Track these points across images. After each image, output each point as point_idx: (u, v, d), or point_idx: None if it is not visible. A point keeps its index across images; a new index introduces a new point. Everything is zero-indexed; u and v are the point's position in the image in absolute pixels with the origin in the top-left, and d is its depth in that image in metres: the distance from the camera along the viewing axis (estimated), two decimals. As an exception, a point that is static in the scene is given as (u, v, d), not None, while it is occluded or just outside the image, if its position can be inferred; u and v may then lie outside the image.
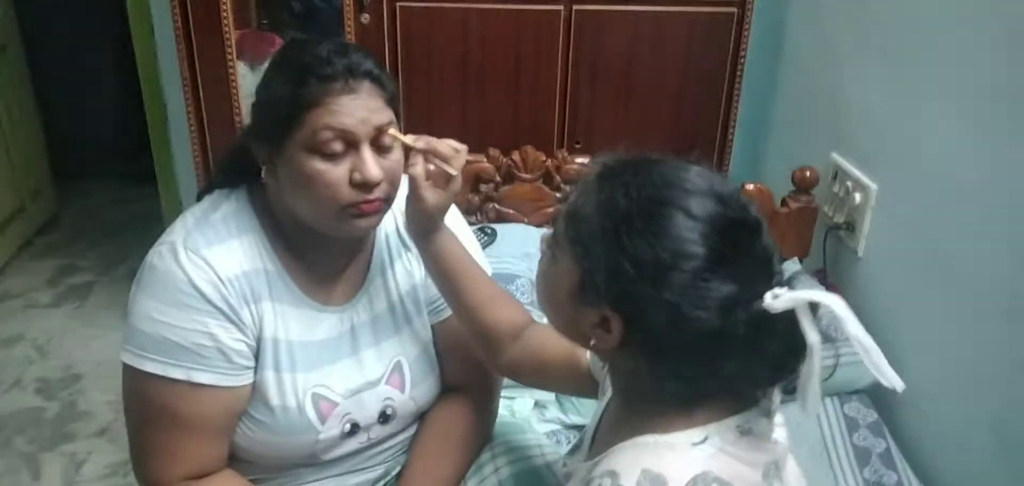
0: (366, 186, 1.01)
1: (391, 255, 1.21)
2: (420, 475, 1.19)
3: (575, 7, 2.15)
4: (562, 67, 2.21)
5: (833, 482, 1.42)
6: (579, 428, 1.58)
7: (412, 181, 1.06)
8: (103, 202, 3.84)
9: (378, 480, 1.24)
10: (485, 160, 1.89)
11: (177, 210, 2.78)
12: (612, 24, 2.17)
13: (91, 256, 3.39)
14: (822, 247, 1.88)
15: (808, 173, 1.84)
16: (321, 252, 1.13)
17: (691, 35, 2.20)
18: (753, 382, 0.81)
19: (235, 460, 1.13)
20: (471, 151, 1.12)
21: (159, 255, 1.05)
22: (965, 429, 1.42)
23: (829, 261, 1.88)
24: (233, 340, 1.04)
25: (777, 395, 0.85)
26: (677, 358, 0.76)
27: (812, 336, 0.73)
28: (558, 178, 1.90)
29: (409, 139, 1.05)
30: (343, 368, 1.15)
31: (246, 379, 1.07)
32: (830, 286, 1.81)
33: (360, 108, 1.00)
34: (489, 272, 1.20)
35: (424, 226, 1.10)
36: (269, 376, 1.08)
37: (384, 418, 1.18)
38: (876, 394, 1.60)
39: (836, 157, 1.87)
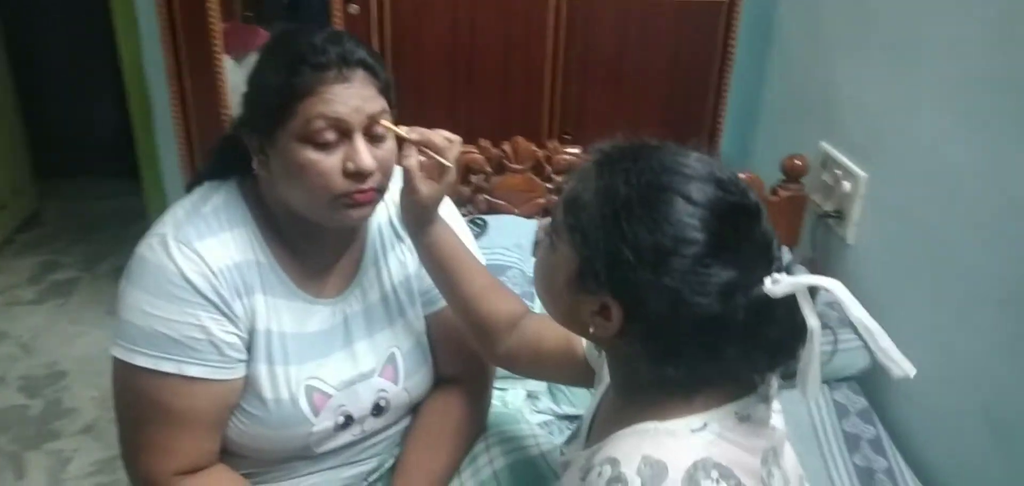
0: (359, 176, 1.00)
1: (384, 246, 1.20)
2: (414, 467, 1.19)
3: (564, -3, 2.14)
4: (552, 58, 2.20)
5: (823, 468, 1.43)
6: (571, 418, 1.57)
7: (406, 173, 1.05)
8: (85, 199, 3.80)
9: (371, 472, 1.23)
10: (476, 151, 1.88)
11: (162, 205, 2.74)
12: (602, 14, 2.17)
13: (74, 253, 3.35)
14: (812, 236, 1.89)
15: (798, 162, 1.84)
16: (313, 243, 1.12)
17: (681, 25, 2.20)
18: (753, 367, 0.81)
19: (228, 454, 1.11)
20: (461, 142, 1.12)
21: (149, 247, 1.03)
22: (955, 416, 1.43)
23: (819, 250, 1.89)
24: (225, 333, 1.03)
25: (775, 381, 0.85)
26: (677, 344, 0.76)
27: (812, 321, 0.73)
28: (549, 169, 1.89)
29: (403, 130, 1.04)
30: (336, 360, 1.14)
31: (238, 372, 1.06)
32: (820, 275, 1.82)
33: (353, 97, 0.99)
34: (482, 263, 1.20)
35: (419, 218, 1.09)
36: (262, 369, 1.07)
37: (378, 410, 1.17)
38: (865, 381, 1.61)
39: (825, 146, 1.88)
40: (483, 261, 1.22)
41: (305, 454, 1.14)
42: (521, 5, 2.14)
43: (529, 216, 1.90)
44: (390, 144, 1.05)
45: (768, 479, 0.79)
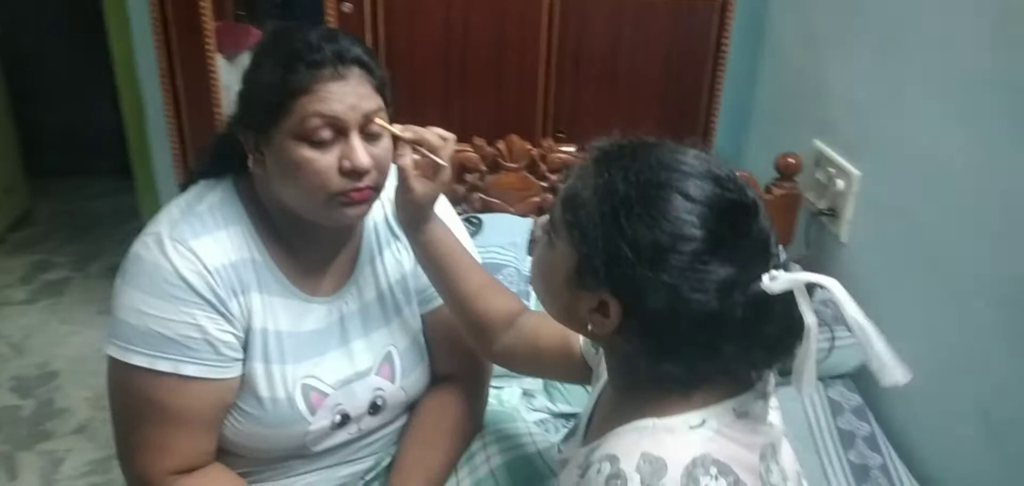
0: (355, 174, 1.00)
1: (380, 244, 1.20)
2: (411, 465, 1.18)
3: (557, -4, 2.14)
4: (545, 56, 2.20)
5: (818, 465, 1.43)
6: (567, 416, 1.58)
7: (400, 172, 1.05)
8: (76, 198, 3.78)
9: (368, 471, 1.23)
10: (470, 149, 1.88)
11: (155, 204, 2.75)
12: (595, 13, 2.17)
13: (66, 252, 3.33)
14: (805, 234, 1.89)
15: (791, 160, 1.85)
16: (309, 241, 1.12)
17: (673, 24, 2.20)
18: (750, 364, 0.81)
19: (224, 453, 1.11)
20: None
21: (144, 246, 1.03)
22: (949, 413, 1.43)
23: (812, 247, 1.89)
24: (221, 332, 1.03)
25: (772, 378, 0.85)
26: (675, 341, 0.76)
27: (809, 318, 0.74)
28: (544, 167, 1.89)
29: (397, 129, 1.04)
30: (333, 359, 1.14)
31: (234, 371, 1.05)
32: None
33: (349, 95, 0.99)
34: (479, 261, 1.20)
35: (414, 216, 1.09)
36: (258, 368, 1.07)
37: (374, 409, 1.17)
38: (859, 378, 1.62)
39: (819, 144, 1.89)
40: (479, 259, 1.22)
41: (302, 453, 1.14)
42: (514, 4, 2.14)
43: (524, 215, 1.90)
44: (386, 142, 1.05)
45: (766, 475, 0.79)
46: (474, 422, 1.27)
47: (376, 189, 1.05)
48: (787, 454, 0.87)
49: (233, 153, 1.08)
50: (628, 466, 0.74)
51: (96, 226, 3.53)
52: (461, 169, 1.87)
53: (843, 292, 0.72)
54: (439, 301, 1.20)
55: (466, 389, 1.25)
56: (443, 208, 1.19)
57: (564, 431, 1.53)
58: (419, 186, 1.05)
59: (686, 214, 0.74)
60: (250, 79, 1.03)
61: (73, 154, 3.89)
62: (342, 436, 1.16)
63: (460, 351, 1.23)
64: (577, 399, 1.58)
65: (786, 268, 0.76)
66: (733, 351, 0.76)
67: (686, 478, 0.72)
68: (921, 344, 1.47)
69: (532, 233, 1.77)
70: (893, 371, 0.73)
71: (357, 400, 1.15)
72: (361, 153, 1.00)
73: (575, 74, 2.23)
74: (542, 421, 1.54)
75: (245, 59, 2.33)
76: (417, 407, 1.25)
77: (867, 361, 0.73)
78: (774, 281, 0.73)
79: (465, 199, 1.90)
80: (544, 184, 1.91)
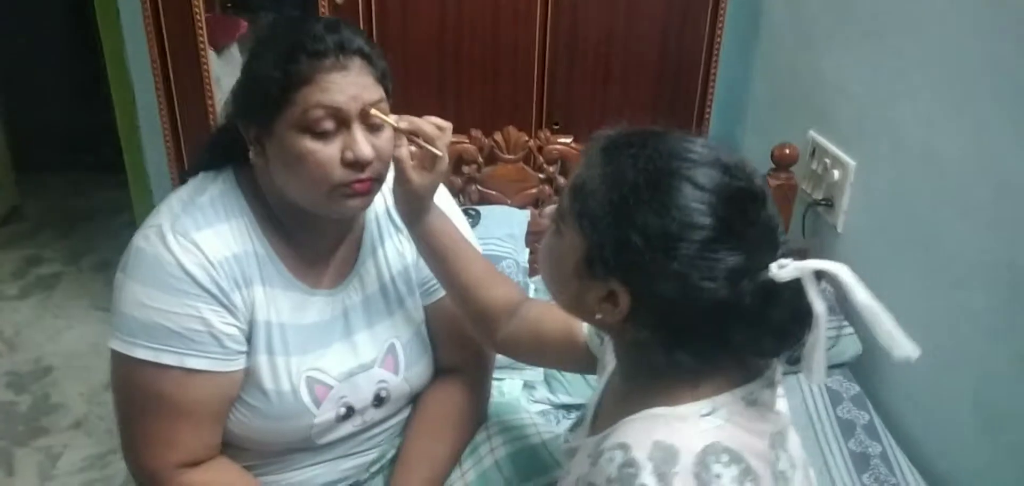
0: (358, 165, 1.00)
1: (381, 236, 1.20)
2: (415, 457, 1.18)
3: (552, -14, 2.14)
4: (540, 47, 2.20)
5: (819, 454, 1.44)
6: (568, 407, 1.58)
7: (397, 163, 1.05)
8: (66, 193, 3.76)
9: (373, 463, 1.23)
10: (467, 141, 1.87)
11: (147, 198, 2.73)
12: (589, 3, 2.16)
13: (57, 247, 3.31)
14: (801, 224, 1.90)
15: (787, 150, 1.85)
16: (311, 233, 1.11)
17: (668, 14, 2.20)
18: (759, 352, 0.81)
19: (229, 447, 1.11)
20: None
21: (146, 239, 1.02)
22: (946, 401, 1.45)
23: (809, 237, 1.90)
24: (225, 324, 1.02)
25: (779, 366, 0.86)
26: (684, 329, 0.76)
27: (818, 305, 0.74)
28: (541, 159, 1.89)
29: (392, 119, 1.04)
30: (336, 351, 1.13)
31: (239, 364, 1.05)
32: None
33: (351, 85, 0.98)
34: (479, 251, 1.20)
35: (413, 208, 1.09)
36: (262, 360, 1.07)
37: (378, 401, 1.17)
38: (858, 367, 1.63)
39: (814, 134, 1.89)
40: (479, 249, 1.22)
41: (306, 446, 1.14)
42: (509, -6, 2.14)
43: (522, 206, 1.90)
44: (388, 133, 1.04)
45: (776, 463, 0.79)
46: (478, 414, 1.27)
47: (378, 180, 1.05)
48: (794, 442, 0.88)
49: (233, 144, 1.07)
50: (640, 454, 0.74)
51: (87, 221, 3.51)
52: (458, 161, 1.87)
53: (852, 277, 0.72)
54: (442, 293, 1.20)
55: (470, 381, 1.25)
56: (443, 198, 1.19)
57: (566, 422, 1.54)
58: (416, 177, 1.04)
59: (695, 202, 0.74)
60: (251, 70, 1.03)
61: (61, 148, 3.86)
62: (347, 428, 1.16)
63: (463, 343, 1.23)
64: (578, 391, 1.58)
65: (796, 256, 0.76)
66: (742, 339, 0.76)
67: (698, 466, 0.73)
68: (917, 332, 1.47)
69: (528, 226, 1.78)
70: (904, 346, 0.72)
71: (361, 392, 1.15)
72: (363, 144, 0.99)
73: (569, 64, 2.23)
74: (543, 412, 1.54)
75: (234, 51, 2.34)
76: (421, 399, 1.25)
77: (879, 340, 0.73)
78: (782, 269, 0.74)
79: (462, 191, 1.89)
80: (541, 176, 1.91)
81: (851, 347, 1.59)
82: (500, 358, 1.34)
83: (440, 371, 1.26)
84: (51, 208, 3.63)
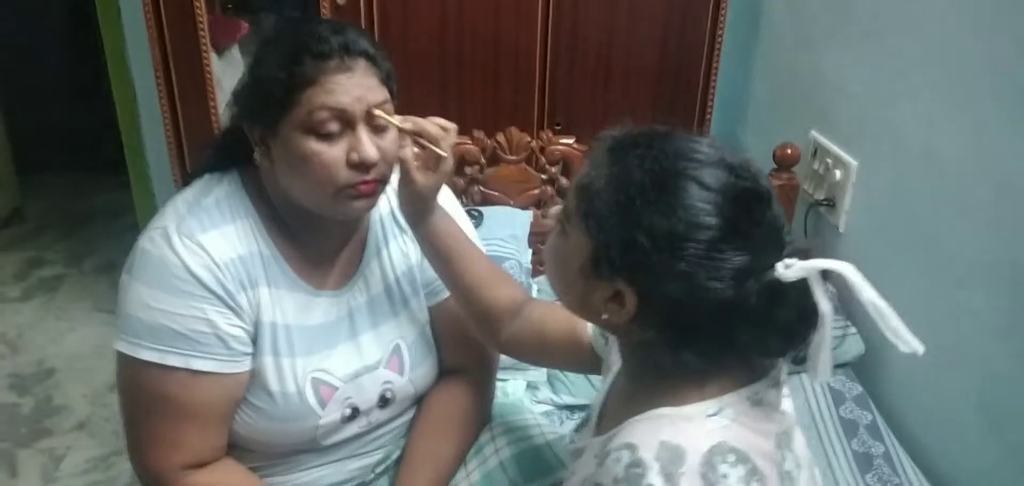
0: (363, 167, 1.00)
1: (386, 237, 1.20)
2: (421, 458, 1.19)
3: (554, -14, 2.14)
4: (541, 47, 2.20)
5: (822, 454, 1.44)
6: (571, 408, 1.58)
7: (402, 164, 1.05)
8: (67, 195, 3.77)
9: (378, 464, 1.23)
10: (469, 142, 1.88)
11: (149, 199, 2.74)
12: (590, 4, 2.17)
13: (58, 249, 3.32)
14: (804, 224, 1.90)
15: (789, 150, 1.85)
16: (315, 234, 1.12)
17: (669, 14, 2.20)
18: (765, 352, 0.81)
19: (234, 448, 1.11)
20: (452, 133, 1.11)
21: (151, 240, 1.02)
22: (949, 401, 1.44)
23: (810, 238, 1.90)
24: (230, 326, 1.03)
25: (784, 365, 0.86)
26: (691, 329, 0.76)
27: (824, 305, 0.74)
28: (543, 159, 1.89)
29: (396, 120, 1.04)
30: (342, 352, 1.14)
31: (244, 365, 1.05)
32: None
33: (356, 86, 0.99)
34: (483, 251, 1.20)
35: (417, 208, 1.09)
36: (268, 361, 1.07)
37: (383, 402, 1.17)
38: (860, 367, 1.63)
39: (815, 134, 1.89)
40: (483, 249, 1.22)
41: (312, 447, 1.14)
42: (509, -6, 2.14)
43: (524, 207, 1.90)
44: (393, 134, 1.05)
45: (782, 463, 0.79)
46: (482, 414, 1.27)
47: (383, 181, 1.05)
48: (800, 442, 0.88)
49: (238, 146, 1.07)
50: (647, 454, 0.74)
51: (88, 222, 3.51)
52: (460, 162, 1.87)
53: (858, 276, 0.73)
54: (446, 294, 1.21)
55: (474, 381, 1.26)
56: (446, 199, 1.19)
57: (569, 423, 1.54)
58: (420, 177, 1.05)
59: (702, 202, 0.74)
60: (255, 72, 1.03)
61: (63, 149, 3.87)
62: (352, 429, 1.16)
63: (467, 344, 1.24)
64: (581, 391, 1.58)
65: (801, 256, 0.76)
66: (748, 339, 0.77)
67: (705, 466, 0.73)
68: (919, 332, 1.46)
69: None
70: (910, 342, 0.73)
71: (366, 393, 1.15)
72: (369, 145, 1.00)
73: (571, 65, 2.23)
74: (547, 413, 1.55)
75: (235, 52, 2.34)
76: (426, 400, 1.25)
77: (886, 337, 0.73)
78: (788, 269, 0.74)
79: (464, 192, 1.90)
80: (544, 176, 1.91)
81: (854, 347, 1.59)
82: (503, 359, 1.34)
83: (444, 372, 1.27)
84: (52, 210, 3.64)
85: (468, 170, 1.89)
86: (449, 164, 1.06)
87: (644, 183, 0.75)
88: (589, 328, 1.10)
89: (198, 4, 2.06)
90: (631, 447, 0.76)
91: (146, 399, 1.02)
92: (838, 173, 1.78)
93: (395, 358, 1.18)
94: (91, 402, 2.42)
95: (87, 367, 2.56)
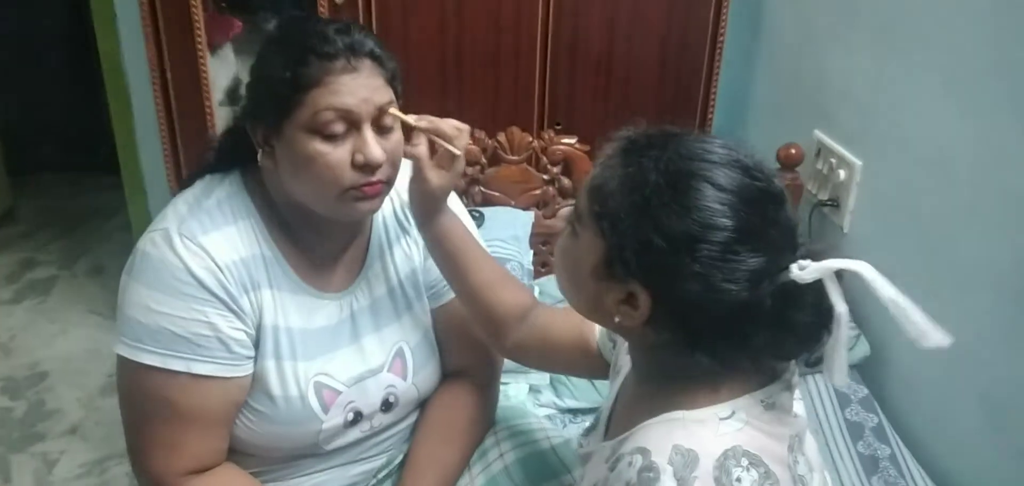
0: (368, 168, 0.99)
1: (389, 239, 1.19)
2: (425, 462, 1.17)
3: (554, -14, 2.13)
4: (541, 47, 2.18)
5: (828, 456, 1.43)
6: (574, 411, 1.57)
7: (416, 162, 1.04)
8: (59, 196, 3.73)
9: (380, 469, 1.21)
10: (471, 142, 1.85)
11: (143, 200, 2.71)
12: (591, 3, 2.15)
13: (51, 250, 3.29)
14: (808, 224, 1.89)
15: (793, 150, 1.84)
16: (319, 236, 1.10)
17: (670, 14, 2.19)
18: (779, 354, 0.81)
19: (235, 453, 1.09)
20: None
21: (152, 242, 1.01)
22: (953, 403, 1.44)
23: (815, 238, 1.89)
24: (233, 329, 1.01)
25: (796, 368, 0.85)
26: (705, 331, 0.75)
27: (840, 306, 0.73)
28: (545, 159, 1.88)
29: (411, 119, 1.03)
30: (344, 356, 1.12)
31: (246, 369, 1.04)
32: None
33: (361, 87, 0.97)
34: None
35: (428, 208, 1.08)
36: (270, 365, 1.05)
37: (387, 406, 1.16)
38: (866, 369, 1.62)
39: (819, 134, 1.89)
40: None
41: (314, 451, 1.12)
42: (510, -7, 2.12)
43: (526, 208, 1.89)
44: (397, 135, 1.03)
45: (794, 466, 0.79)
46: (486, 418, 1.26)
47: (388, 183, 1.04)
48: (811, 445, 0.87)
49: (240, 146, 1.06)
50: (660, 458, 0.73)
51: (81, 223, 3.48)
52: (460, 163, 1.86)
53: (875, 273, 0.72)
54: (449, 296, 1.19)
55: (478, 385, 1.24)
56: (451, 200, 1.18)
57: (572, 426, 1.53)
58: (434, 176, 1.04)
59: (717, 203, 0.73)
60: (259, 72, 1.01)
61: (55, 149, 3.84)
62: (354, 434, 1.14)
63: (471, 346, 1.22)
64: (584, 394, 1.57)
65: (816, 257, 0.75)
66: (762, 341, 0.76)
67: (718, 470, 0.72)
68: (924, 333, 1.48)
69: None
70: (934, 336, 0.71)
71: (369, 397, 1.13)
72: (374, 146, 0.98)
73: (571, 65, 2.22)
74: (549, 416, 1.53)
75: (228, 51, 2.32)
76: (429, 403, 1.23)
77: (907, 332, 0.72)
78: (803, 270, 0.73)
79: (466, 192, 1.88)
80: (545, 177, 1.89)
81: (860, 349, 1.58)
82: (506, 362, 1.32)
83: (447, 375, 1.25)
84: (45, 211, 3.60)
85: (469, 170, 1.87)
86: (462, 163, 1.06)
87: (659, 184, 0.74)
88: (597, 332, 1.09)
89: (195, 5, 2.04)
90: (644, 451, 0.75)
91: (147, 403, 1.01)
92: (842, 173, 1.77)
93: (398, 361, 1.16)
94: (84, 406, 2.39)
95: (80, 370, 2.54)
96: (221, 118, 2.15)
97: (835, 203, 1.80)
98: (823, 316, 0.75)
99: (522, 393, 1.57)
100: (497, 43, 2.17)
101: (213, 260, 0.99)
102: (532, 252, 1.81)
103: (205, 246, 1.00)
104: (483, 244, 1.20)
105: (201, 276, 0.98)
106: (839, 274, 0.74)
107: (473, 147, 1.86)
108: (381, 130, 1.01)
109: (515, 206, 1.88)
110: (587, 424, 1.17)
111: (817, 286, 0.73)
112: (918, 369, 1.53)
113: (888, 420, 1.51)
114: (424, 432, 1.21)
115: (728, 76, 2.29)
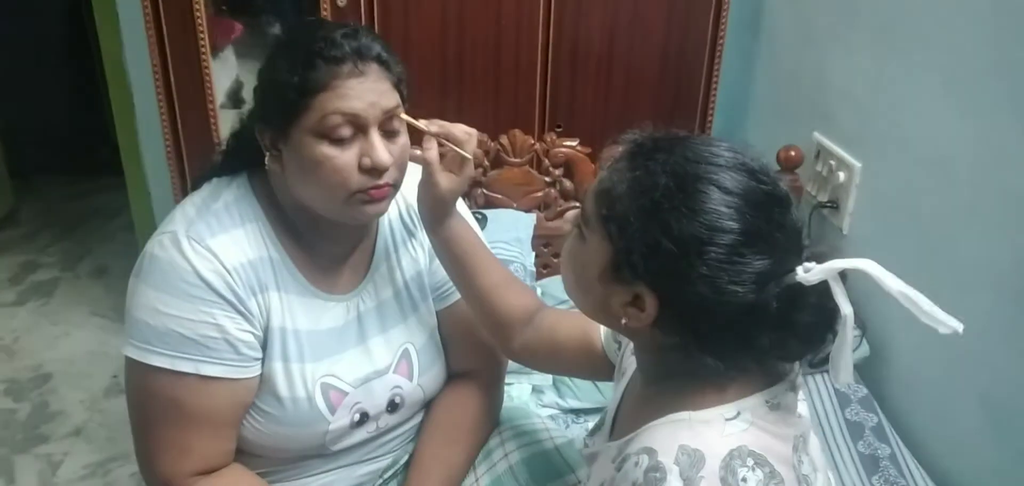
0: (376, 171, 1.00)
1: (395, 242, 1.20)
2: (430, 462, 1.18)
3: (555, -11, 2.14)
4: (542, 50, 2.19)
5: (829, 456, 1.44)
6: (577, 411, 1.58)
7: (426, 166, 1.05)
8: (61, 197, 3.74)
9: (386, 470, 1.22)
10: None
11: (146, 202, 2.72)
12: (591, 5, 2.16)
13: (53, 252, 3.29)
14: (807, 226, 1.90)
15: (793, 153, 1.85)
16: (326, 239, 1.11)
17: (670, 16, 2.20)
18: (784, 355, 0.81)
19: (242, 454, 1.10)
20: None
21: (160, 245, 1.01)
22: (953, 403, 1.45)
23: (814, 240, 1.90)
24: (241, 331, 1.02)
25: (800, 369, 0.86)
26: (711, 333, 0.76)
27: (846, 307, 0.74)
28: (547, 162, 1.89)
29: (422, 123, 1.04)
30: (351, 357, 1.13)
31: (254, 371, 1.05)
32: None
33: (369, 92, 0.98)
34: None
35: (437, 211, 1.09)
36: (277, 367, 1.06)
37: (392, 407, 1.17)
38: (865, 369, 1.63)
39: (818, 136, 1.90)
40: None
41: (320, 452, 1.13)
42: (511, -3, 2.13)
43: (528, 210, 1.89)
44: (404, 139, 1.05)
45: (798, 466, 0.79)
46: (491, 418, 1.27)
47: (395, 186, 1.05)
48: (815, 445, 0.88)
49: (247, 149, 1.07)
50: (667, 459, 0.74)
51: (83, 225, 3.49)
52: (463, 164, 1.87)
53: (880, 269, 0.73)
54: (455, 298, 1.20)
55: (483, 385, 1.25)
56: (458, 203, 1.19)
57: (575, 427, 1.54)
58: (444, 180, 1.05)
59: (724, 207, 0.74)
60: (267, 76, 1.02)
61: (57, 151, 3.84)
62: (361, 435, 1.15)
63: (476, 348, 1.23)
64: (586, 395, 1.58)
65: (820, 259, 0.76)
66: (768, 342, 0.77)
67: (724, 470, 0.73)
68: (923, 334, 1.47)
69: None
70: (948, 322, 0.74)
71: (376, 398, 1.14)
72: (382, 150, 0.99)
73: (572, 67, 2.22)
74: (552, 417, 1.54)
75: (229, 54, 2.32)
76: (434, 404, 1.24)
77: (922, 322, 0.74)
78: (809, 272, 0.74)
79: (468, 195, 1.89)
80: (547, 179, 1.90)
81: (860, 349, 1.59)
82: (509, 362, 1.33)
83: (452, 376, 1.26)
84: (46, 213, 3.61)
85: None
86: (471, 168, 1.07)
87: (667, 187, 0.75)
88: (602, 333, 1.10)
89: (197, 7, 2.05)
90: (650, 451, 0.76)
91: (156, 405, 1.01)
92: (842, 175, 1.78)
93: (404, 362, 1.17)
94: (88, 407, 2.40)
95: (83, 372, 2.54)
96: (223, 120, 2.16)
97: (834, 205, 1.81)
98: (828, 317, 0.76)
99: (525, 394, 1.58)
100: (498, 46, 2.17)
101: (221, 263, 1.00)
102: (534, 254, 1.82)
103: (213, 249, 1.00)
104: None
105: (209, 279, 0.99)
106: (843, 275, 0.75)
107: (476, 150, 1.87)
108: (388, 134, 1.02)
109: (517, 208, 1.89)
110: (590, 424, 1.18)
111: (822, 288, 0.74)
112: (918, 369, 1.54)
113: (888, 420, 1.52)
114: (429, 432, 1.22)
115: (728, 78, 2.30)
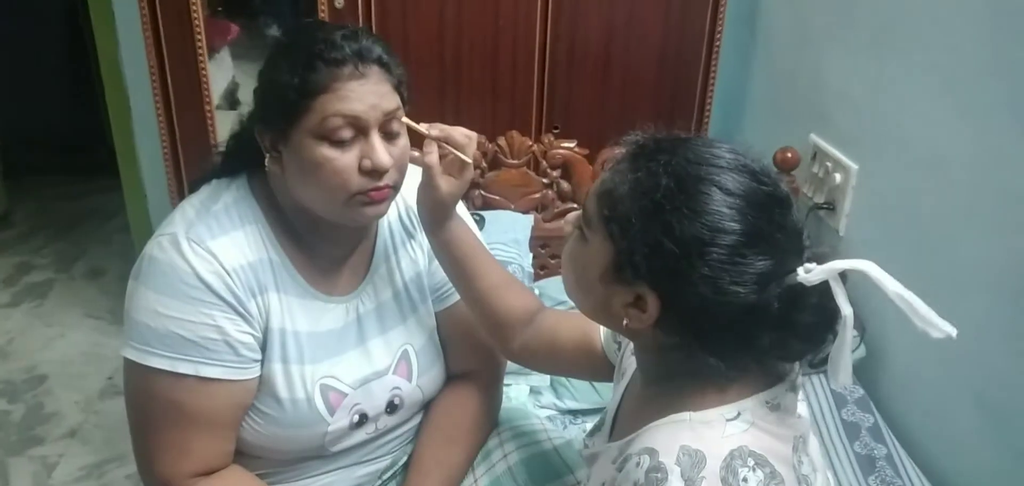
0: (376, 173, 1.00)
1: (395, 243, 1.20)
2: (430, 463, 1.18)
3: (552, -10, 2.14)
4: (540, 51, 2.20)
5: (825, 457, 1.45)
6: (575, 412, 1.58)
7: (427, 170, 1.05)
8: (55, 198, 3.72)
9: (385, 470, 1.22)
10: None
11: (142, 203, 2.71)
12: (589, 7, 2.17)
13: (47, 253, 3.28)
14: (804, 228, 1.90)
15: (789, 154, 1.85)
16: (325, 241, 1.11)
17: (667, 17, 2.20)
18: (785, 356, 0.82)
19: (241, 455, 1.10)
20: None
21: (160, 247, 1.01)
22: (949, 403, 1.45)
23: (811, 242, 1.90)
24: (240, 333, 1.02)
25: (799, 370, 0.86)
26: (712, 334, 0.76)
27: (846, 308, 0.74)
28: (544, 163, 1.89)
29: (422, 127, 1.04)
30: (350, 358, 1.13)
31: (254, 372, 1.05)
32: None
33: (369, 94, 0.98)
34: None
35: (437, 214, 1.09)
36: (277, 368, 1.06)
37: (392, 408, 1.17)
38: (861, 370, 1.64)
39: (815, 138, 1.90)
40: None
41: (320, 453, 1.13)
42: (508, -1, 2.14)
43: (525, 211, 1.90)
44: (404, 141, 1.05)
45: (798, 466, 0.80)
46: (490, 419, 1.27)
47: (395, 188, 1.05)
48: (814, 445, 0.88)
49: (246, 151, 1.07)
50: (668, 459, 0.75)
51: (78, 226, 3.48)
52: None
53: (879, 271, 0.73)
54: (454, 299, 1.20)
55: (482, 386, 1.25)
56: (458, 206, 1.19)
57: (573, 428, 1.54)
58: (444, 183, 1.05)
59: (725, 208, 0.74)
60: (268, 78, 1.02)
61: (51, 152, 3.83)
62: (360, 436, 1.15)
63: (475, 349, 1.23)
64: (584, 396, 1.58)
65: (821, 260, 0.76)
66: (769, 343, 0.77)
67: (725, 470, 0.73)
68: (920, 335, 1.48)
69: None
70: (942, 327, 0.74)
71: (375, 399, 1.14)
72: (382, 152, 0.99)
73: (569, 69, 2.23)
74: (550, 418, 1.54)
75: (225, 55, 2.32)
76: (433, 405, 1.24)
77: (915, 325, 0.74)
78: (809, 273, 0.74)
79: (466, 196, 1.89)
80: (545, 180, 1.90)
81: (857, 350, 1.59)
82: (508, 363, 1.33)
83: (451, 377, 1.26)
84: (40, 214, 3.60)
85: (468, 174, 1.88)
86: (471, 171, 1.08)
87: (668, 188, 0.75)
88: (601, 334, 1.10)
89: (195, 8, 2.05)
90: (651, 452, 0.76)
91: (155, 406, 1.01)
92: (838, 177, 1.78)
93: (403, 364, 1.17)
94: (83, 409, 2.39)
95: (78, 373, 2.53)
96: (220, 121, 2.16)
97: (831, 206, 1.82)
98: (828, 318, 0.76)
99: (523, 394, 1.58)
100: (496, 47, 2.18)
101: (221, 264, 1.00)
102: (532, 255, 1.82)
103: (213, 250, 1.00)
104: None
105: (209, 280, 0.99)
106: (843, 275, 0.75)
107: (475, 152, 1.87)
108: (388, 135, 1.02)
109: (515, 209, 1.89)
110: (587, 425, 1.19)
111: (822, 288, 0.75)
112: (914, 369, 1.55)
113: (884, 420, 1.53)
114: (429, 433, 1.22)
115: (724, 80, 2.31)
